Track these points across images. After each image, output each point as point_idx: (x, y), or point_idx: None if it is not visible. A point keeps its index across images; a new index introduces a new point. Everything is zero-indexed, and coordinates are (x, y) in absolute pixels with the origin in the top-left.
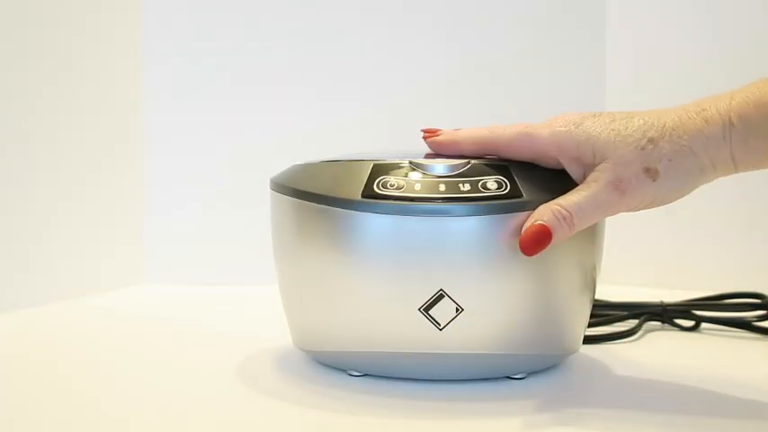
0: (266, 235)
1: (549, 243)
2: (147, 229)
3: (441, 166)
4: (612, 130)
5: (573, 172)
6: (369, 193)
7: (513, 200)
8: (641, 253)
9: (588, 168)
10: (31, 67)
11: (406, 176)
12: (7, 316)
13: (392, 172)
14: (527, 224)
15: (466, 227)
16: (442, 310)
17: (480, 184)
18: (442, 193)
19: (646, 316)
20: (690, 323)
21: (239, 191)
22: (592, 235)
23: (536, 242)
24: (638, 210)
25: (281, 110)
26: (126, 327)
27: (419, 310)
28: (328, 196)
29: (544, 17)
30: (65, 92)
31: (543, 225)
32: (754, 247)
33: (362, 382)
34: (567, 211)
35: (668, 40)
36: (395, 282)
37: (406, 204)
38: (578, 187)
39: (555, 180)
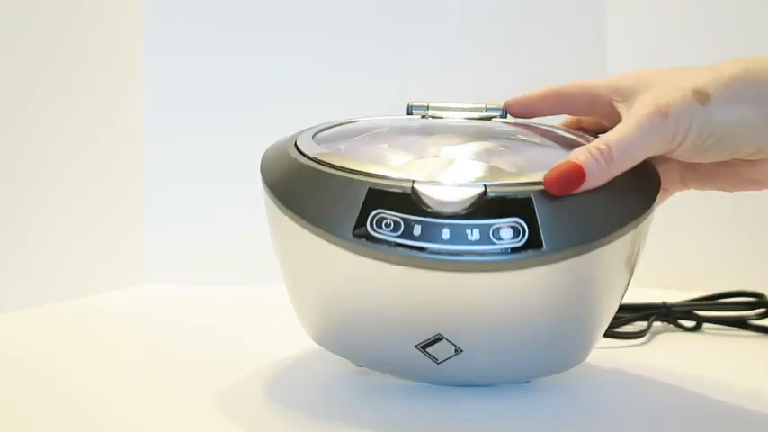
0: (266, 235)
1: (581, 183)
2: (146, 229)
3: (449, 200)
4: (672, 68)
5: (624, 113)
6: (361, 231)
7: (530, 253)
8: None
9: None
10: (30, 68)
11: (405, 213)
12: (7, 316)
13: (390, 203)
14: (557, 164)
15: (471, 284)
16: (440, 349)
17: (492, 231)
18: (445, 242)
19: (653, 317)
20: (691, 323)
21: (239, 190)
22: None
23: (565, 183)
24: (687, 153)
25: (282, 109)
26: (125, 327)
27: (415, 347)
28: (317, 221)
29: (544, 16)
30: (65, 92)
31: (575, 164)
32: (753, 246)
33: (361, 386)
34: (606, 144)
35: (668, 40)
36: (388, 321)
37: (403, 253)
38: (620, 122)
39: (587, 223)
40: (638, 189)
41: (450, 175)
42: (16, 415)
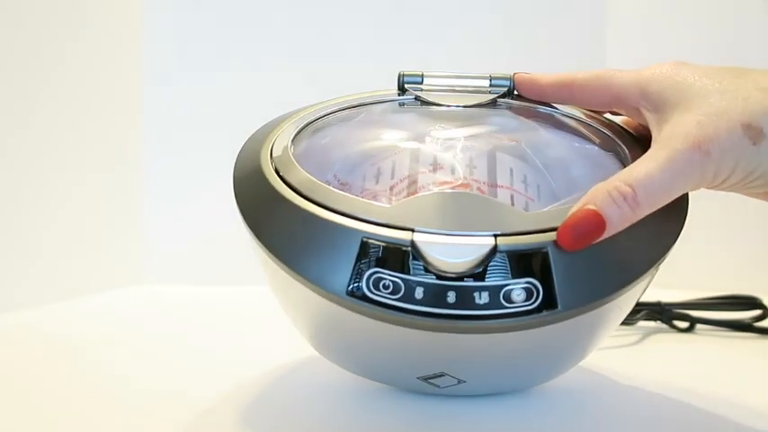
0: None
1: (600, 235)
2: (146, 229)
3: (455, 259)
4: (714, 76)
5: (654, 127)
6: (357, 290)
7: (544, 313)
8: None
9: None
10: (30, 66)
11: (405, 273)
12: (7, 316)
13: (387, 261)
14: (573, 209)
15: (478, 344)
16: (443, 381)
17: (503, 294)
18: (450, 306)
19: (645, 312)
20: (685, 324)
21: None
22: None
23: (582, 236)
24: (727, 188)
25: (284, 108)
26: (125, 327)
27: (417, 378)
28: (306, 272)
29: (543, 11)
30: (65, 90)
31: (591, 211)
32: (751, 247)
33: (360, 388)
34: (629, 185)
35: (668, 39)
36: (388, 363)
37: (404, 317)
38: (649, 151)
39: (607, 275)
40: (665, 221)
41: (453, 218)
42: (16, 415)
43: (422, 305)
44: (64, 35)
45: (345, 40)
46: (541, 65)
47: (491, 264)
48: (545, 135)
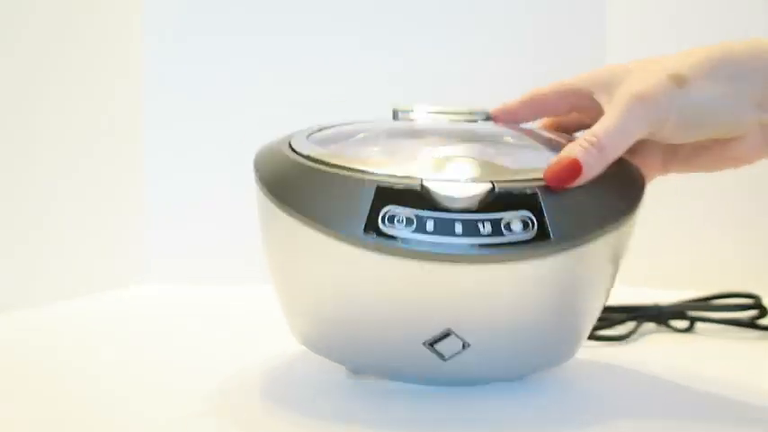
0: None
1: (578, 175)
2: (147, 229)
3: (459, 195)
4: (647, 59)
5: (605, 103)
6: (372, 227)
7: (539, 244)
8: (635, 251)
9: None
10: (31, 65)
11: (416, 208)
12: (7, 316)
13: (400, 200)
14: (553, 160)
15: (482, 275)
16: (448, 345)
17: (503, 223)
18: (458, 235)
19: (643, 318)
20: (684, 324)
21: (240, 190)
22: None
23: (564, 177)
24: (672, 132)
25: (285, 107)
26: (125, 327)
27: (423, 344)
28: (324, 222)
29: (543, 16)
30: (65, 89)
31: (569, 157)
32: (748, 247)
33: (358, 387)
34: (594, 135)
35: (668, 40)
36: (398, 319)
37: (417, 247)
38: (605, 113)
39: (587, 215)
40: (625, 187)
41: (455, 172)
42: (16, 414)
43: (433, 235)
44: (64, 35)
45: (346, 42)
46: (541, 65)
47: (491, 201)
48: (524, 136)
